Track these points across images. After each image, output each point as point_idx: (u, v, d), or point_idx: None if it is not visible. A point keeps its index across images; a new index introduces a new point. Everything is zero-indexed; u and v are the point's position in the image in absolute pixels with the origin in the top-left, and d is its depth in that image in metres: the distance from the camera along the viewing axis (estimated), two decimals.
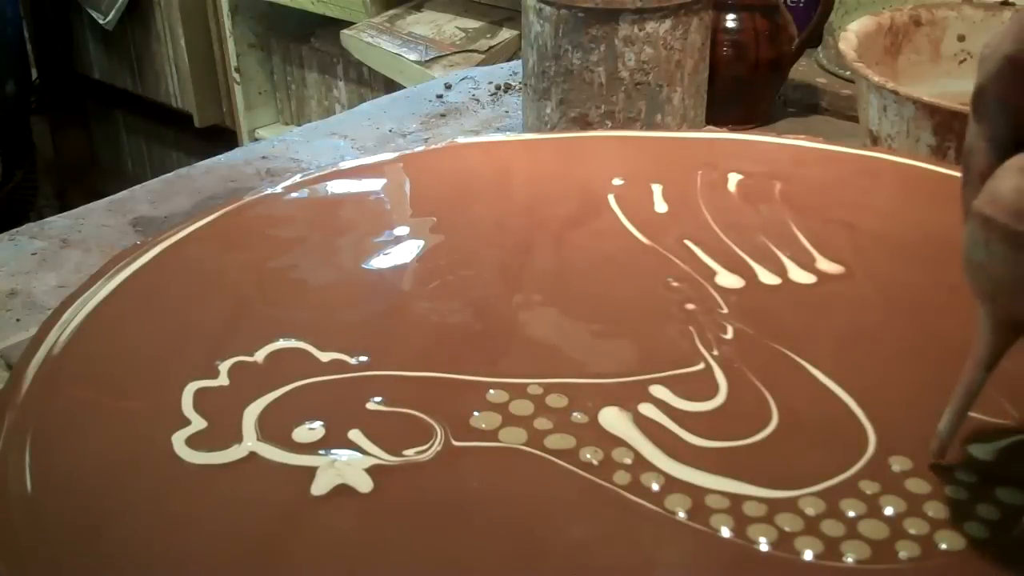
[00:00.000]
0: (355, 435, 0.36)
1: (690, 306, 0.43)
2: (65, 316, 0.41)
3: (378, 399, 0.38)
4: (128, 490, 0.34)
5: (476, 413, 0.37)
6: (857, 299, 0.45)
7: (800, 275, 0.46)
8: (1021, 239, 0.28)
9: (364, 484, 0.34)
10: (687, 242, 0.48)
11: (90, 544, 0.32)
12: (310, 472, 0.34)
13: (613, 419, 0.37)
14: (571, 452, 0.35)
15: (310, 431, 0.36)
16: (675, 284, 0.45)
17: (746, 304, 0.44)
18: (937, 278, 0.45)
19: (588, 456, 0.35)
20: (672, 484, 0.34)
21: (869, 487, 0.34)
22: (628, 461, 0.35)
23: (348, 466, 0.34)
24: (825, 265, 0.46)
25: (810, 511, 0.33)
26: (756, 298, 0.44)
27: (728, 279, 0.45)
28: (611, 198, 0.51)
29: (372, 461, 0.35)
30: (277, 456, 0.35)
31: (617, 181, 0.52)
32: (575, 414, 0.37)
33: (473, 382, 0.39)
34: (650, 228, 0.49)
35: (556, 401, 0.38)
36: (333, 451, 0.35)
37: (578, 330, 0.43)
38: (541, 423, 0.37)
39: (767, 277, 0.45)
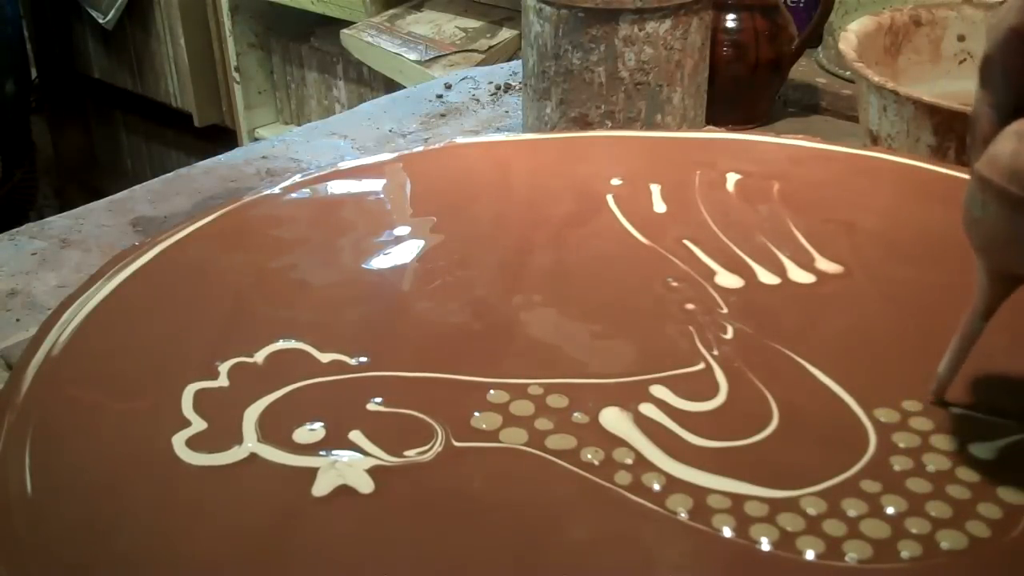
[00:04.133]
0: (356, 436, 0.36)
1: (690, 306, 0.43)
2: (65, 316, 0.41)
3: (378, 400, 0.38)
4: (128, 491, 0.34)
5: (477, 414, 0.37)
6: (857, 299, 0.44)
7: (800, 275, 0.45)
8: (1014, 199, 0.31)
9: (365, 485, 0.34)
10: (686, 242, 0.48)
11: (90, 545, 0.32)
12: (311, 473, 0.34)
13: (614, 419, 0.37)
14: (572, 452, 0.35)
15: (311, 432, 0.36)
16: (675, 284, 0.45)
17: (746, 304, 0.44)
18: (936, 278, 0.45)
19: (589, 456, 0.35)
20: (673, 484, 0.34)
21: (870, 486, 0.34)
22: (629, 461, 0.35)
23: (349, 467, 0.35)
24: (824, 265, 0.46)
25: (811, 511, 0.33)
26: (756, 298, 0.44)
27: (728, 279, 0.45)
28: (610, 198, 0.51)
29: (373, 462, 0.35)
30: (278, 457, 0.35)
31: (616, 181, 0.52)
32: (576, 414, 0.37)
33: (473, 382, 0.39)
34: (649, 228, 0.49)
35: (556, 401, 0.38)
36: (334, 452, 0.35)
37: (578, 330, 0.43)
38: (542, 423, 0.37)
39: (767, 277, 0.45)
